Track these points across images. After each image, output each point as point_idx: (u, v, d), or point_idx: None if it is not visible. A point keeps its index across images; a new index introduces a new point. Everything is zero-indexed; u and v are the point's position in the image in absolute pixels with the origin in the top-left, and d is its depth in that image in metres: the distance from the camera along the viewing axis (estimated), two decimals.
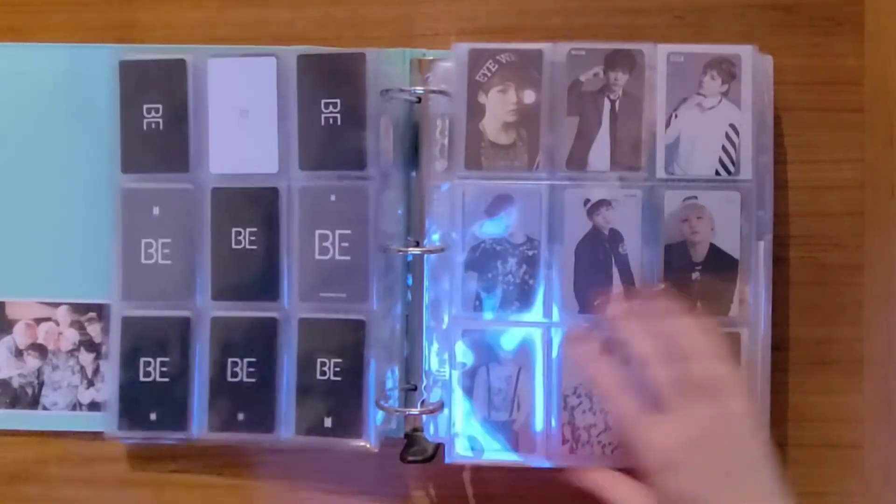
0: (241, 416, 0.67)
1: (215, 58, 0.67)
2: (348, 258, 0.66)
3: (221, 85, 0.67)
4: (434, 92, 0.67)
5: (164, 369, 0.67)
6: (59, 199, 0.71)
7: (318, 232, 0.66)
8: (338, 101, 0.66)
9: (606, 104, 0.66)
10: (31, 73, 0.71)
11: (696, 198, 0.65)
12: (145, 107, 0.67)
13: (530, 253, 0.66)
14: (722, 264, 0.65)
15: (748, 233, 0.65)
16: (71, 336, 0.71)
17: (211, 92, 0.67)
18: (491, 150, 0.66)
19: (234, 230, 0.67)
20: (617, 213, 0.65)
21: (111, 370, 0.68)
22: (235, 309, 0.67)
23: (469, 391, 0.66)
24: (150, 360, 0.67)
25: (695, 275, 0.65)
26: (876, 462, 0.68)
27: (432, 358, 0.67)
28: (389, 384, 0.67)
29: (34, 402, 0.71)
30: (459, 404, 0.66)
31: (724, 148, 0.65)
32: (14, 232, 0.71)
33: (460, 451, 0.66)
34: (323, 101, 0.66)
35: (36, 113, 0.71)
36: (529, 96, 0.66)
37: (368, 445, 0.66)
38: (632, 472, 0.59)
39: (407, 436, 0.68)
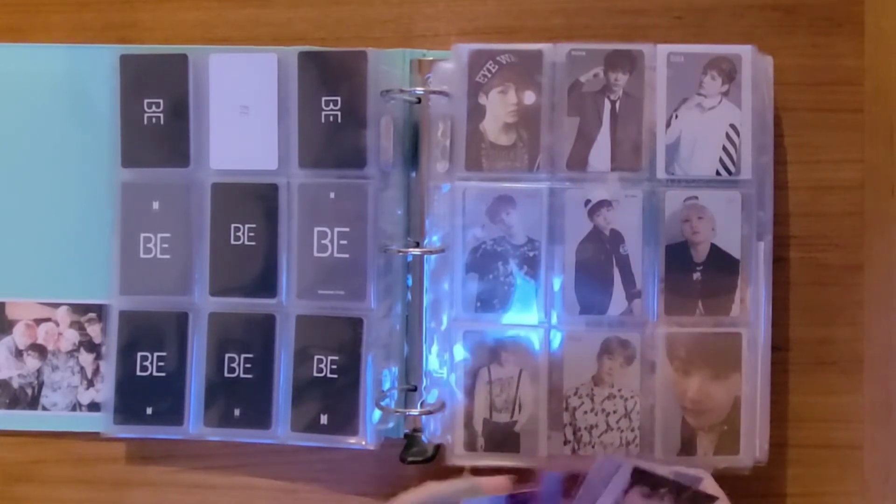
0: (237, 412, 0.67)
1: (216, 53, 0.67)
2: (347, 256, 0.66)
3: (222, 81, 0.67)
4: (434, 93, 0.67)
5: (160, 364, 0.67)
6: (59, 199, 0.71)
7: (316, 229, 0.66)
8: (338, 98, 0.66)
9: (607, 105, 0.66)
10: (31, 73, 0.71)
11: (696, 198, 0.65)
12: (146, 101, 0.67)
13: (531, 254, 0.66)
14: (723, 264, 0.65)
15: (749, 233, 0.65)
16: (71, 336, 0.71)
17: (212, 88, 0.67)
18: (491, 151, 0.66)
19: (233, 226, 0.67)
20: (618, 213, 0.65)
21: (108, 365, 0.68)
22: (233, 305, 0.67)
23: (470, 392, 0.66)
24: (147, 354, 0.67)
25: (696, 275, 0.65)
26: (875, 462, 0.68)
27: (432, 359, 0.67)
28: (388, 384, 0.67)
29: (34, 403, 0.71)
30: (460, 405, 0.66)
31: (724, 148, 0.65)
32: (14, 232, 0.71)
33: (460, 452, 0.66)
34: (323, 99, 0.66)
35: (36, 113, 0.71)
36: (530, 97, 0.66)
37: (365, 443, 0.66)
38: None
39: (407, 436, 0.68)
